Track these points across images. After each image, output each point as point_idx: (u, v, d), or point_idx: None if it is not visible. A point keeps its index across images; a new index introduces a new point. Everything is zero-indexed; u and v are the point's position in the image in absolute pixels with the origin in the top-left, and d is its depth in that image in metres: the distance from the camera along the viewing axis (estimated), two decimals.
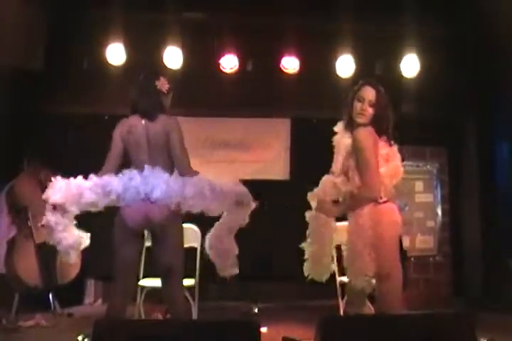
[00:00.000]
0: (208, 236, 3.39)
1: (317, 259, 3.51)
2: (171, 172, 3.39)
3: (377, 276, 3.13)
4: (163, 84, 3.50)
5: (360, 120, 3.26)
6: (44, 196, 3.27)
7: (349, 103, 3.32)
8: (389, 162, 3.29)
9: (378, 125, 3.24)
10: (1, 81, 5.27)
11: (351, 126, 3.31)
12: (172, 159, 3.43)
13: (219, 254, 3.37)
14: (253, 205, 3.39)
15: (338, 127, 3.44)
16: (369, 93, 3.28)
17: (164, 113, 3.50)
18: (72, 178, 3.31)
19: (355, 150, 3.18)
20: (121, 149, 3.48)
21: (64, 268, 5.04)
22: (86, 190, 3.25)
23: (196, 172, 3.40)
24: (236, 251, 3.38)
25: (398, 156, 3.35)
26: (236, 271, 3.40)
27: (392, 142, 3.33)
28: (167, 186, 3.26)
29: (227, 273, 3.40)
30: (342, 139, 3.37)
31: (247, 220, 3.39)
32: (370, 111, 3.25)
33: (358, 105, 3.27)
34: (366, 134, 3.19)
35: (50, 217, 3.27)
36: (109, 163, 3.47)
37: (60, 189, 3.24)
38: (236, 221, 3.38)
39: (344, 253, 3.34)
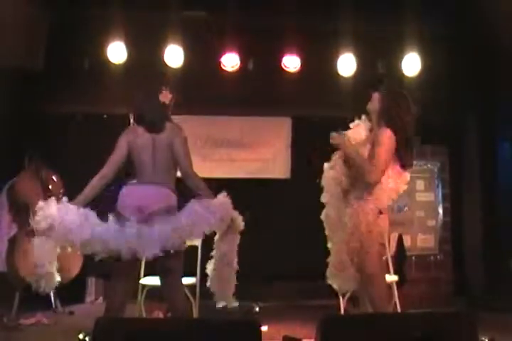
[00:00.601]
0: (209, 269, 3.47)
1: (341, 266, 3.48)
2: (173, 176, 3.48)
3: (364, 282, 3.20)
4: (165, 96, 3.56)
5: (368, 106, 3.46)
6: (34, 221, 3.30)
7: None
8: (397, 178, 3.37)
9: (393, 123, 3.31)
10: (1, 81, 5.27)
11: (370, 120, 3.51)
12: (175, 163, 3.49)
13: (220, 285, 3.44)
14: (242, 226, 3.45)
15: (355, 124, 3.60)
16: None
17: (169, 121, 3.57)
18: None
19: (375, 143, 3.30)
20: (124, 153, 3.52)
21: (65, 267, 5.03)
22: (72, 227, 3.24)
23: (198, 176, 3.46)
24: (234, 282, 3.45)
25: (406, 176, 3.44)
26: (235, 303, 3.47)
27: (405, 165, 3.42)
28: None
29: (226, 302, 3.47)
30: (354, 134, 3.52)
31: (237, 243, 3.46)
32: (378, 96, 3.42)
33: None
34: (390, 134, 3.30)
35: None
36: (108, 166, 3.50)
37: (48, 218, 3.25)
38: (230, 249, 3.44)
39: (330, 259, 3.44)
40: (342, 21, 5.57)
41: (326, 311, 4.66)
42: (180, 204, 3.48)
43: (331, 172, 3.51)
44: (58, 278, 3.41)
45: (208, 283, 3.49)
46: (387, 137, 3.28)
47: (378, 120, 3.42)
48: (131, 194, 3.46)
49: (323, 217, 3.55)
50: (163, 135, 3.49)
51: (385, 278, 3.39)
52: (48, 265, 3.30)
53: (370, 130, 3.52)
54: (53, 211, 3.25)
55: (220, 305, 3.48)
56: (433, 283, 5.91)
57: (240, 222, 3.43)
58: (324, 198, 3.54)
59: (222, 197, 3.42)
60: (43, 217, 3.24)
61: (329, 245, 3.55)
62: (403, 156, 3.37)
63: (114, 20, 5.50)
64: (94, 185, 3.45)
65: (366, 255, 3.24)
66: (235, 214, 3.42)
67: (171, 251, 3.31)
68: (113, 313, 3.34)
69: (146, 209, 3.38)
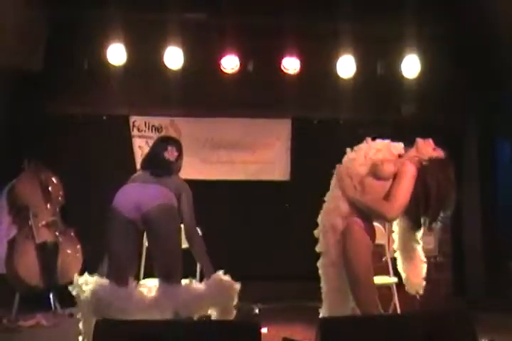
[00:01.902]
0: None
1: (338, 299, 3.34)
2: None
3: (350, 285, 3.18)
4: (171, 154, 3.65)
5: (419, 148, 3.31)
6: None
7: None
8: None
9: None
10: (1, 81, 5.27)
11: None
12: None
13: None
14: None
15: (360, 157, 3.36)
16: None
17: (173, 174, 3.67)
18: None
19: (398, 173, 3.16)
20: None
21: (65, 268, 5.05)
22: None
23: (201, 240, 3.62)
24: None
25: None
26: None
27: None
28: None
29: None
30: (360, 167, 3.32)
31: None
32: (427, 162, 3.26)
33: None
34: (414, 172, 3.17)
35: None
36: None
37: None
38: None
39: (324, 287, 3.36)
40: (341, 23, 5.58)
41: None
42: None
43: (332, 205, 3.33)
44: None
45: None
46: (411, 170, 3.16)
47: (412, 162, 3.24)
48: (128, 191, 3.47)
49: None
50: (169, 181, 3.57)
51: (372, 281, 3.32)
52: None
53: (400, 155, 3.35)
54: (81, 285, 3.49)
55: None
56: (433, 284, 5.87)
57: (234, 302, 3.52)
58: (319, 248, 3.38)
59: (231, 282, 3.53)
60: (76, 293, 3.55)
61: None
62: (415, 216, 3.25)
63: (113, 21, 5.51)
64: None
65: (354, 256, 3.19)
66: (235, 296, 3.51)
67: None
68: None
69: (143, 206, 3.38)
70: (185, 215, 3.56)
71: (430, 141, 3.36)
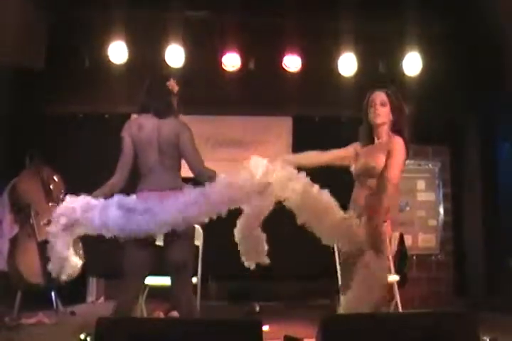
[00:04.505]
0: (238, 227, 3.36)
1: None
2: (178, 171, 3.48)
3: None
4: (173, 85, 3.52)
5: (377, 120, 3.24)
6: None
7: (364, 110, 3.30)
8: None
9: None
10: (2, 80, 5.27)
11: (370, 132, 3.31)
12: (180, 159, 3.48)
13: (248, 242, 3.33)
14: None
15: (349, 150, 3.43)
16: (378, 96, 3.29)
17: (174, 114, 3.52)
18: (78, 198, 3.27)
19: (389, 153, 3.14)
20: (131, 150, 3.45)
21: None
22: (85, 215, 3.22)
23: (210, 170, 3.52)
24: (264, 239, 3.34)
25: None
26: (266, 260, 3.31)
27: None
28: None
29: (254, 260, 3.31)
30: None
31: (270, 208, 3.36)
32: (385, 110, 3.25)
33: (371, 110, 3.26)
34: (403, 143, 3.17)
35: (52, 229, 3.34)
36: (121, 168, 3.46)
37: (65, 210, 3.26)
38: (260, 210, 3.36)
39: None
40: (343, 21, 5.57)
41: (327, 311, 4.66)
42: None
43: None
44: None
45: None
46: (401, 144, 3.14)
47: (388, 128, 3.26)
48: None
49: None
50: (169, 125, 3.44)
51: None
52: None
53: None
54: (75, 206, 3.23)
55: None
56: (434, 282, 5.91)
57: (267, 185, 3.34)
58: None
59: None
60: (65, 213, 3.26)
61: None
62: None
63: (115, 19, 5.51)
64: (107, 190, 3.40)
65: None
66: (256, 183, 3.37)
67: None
68: (123, 313, 3.32)
69: None
70: (188, 154, 3.47)
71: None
